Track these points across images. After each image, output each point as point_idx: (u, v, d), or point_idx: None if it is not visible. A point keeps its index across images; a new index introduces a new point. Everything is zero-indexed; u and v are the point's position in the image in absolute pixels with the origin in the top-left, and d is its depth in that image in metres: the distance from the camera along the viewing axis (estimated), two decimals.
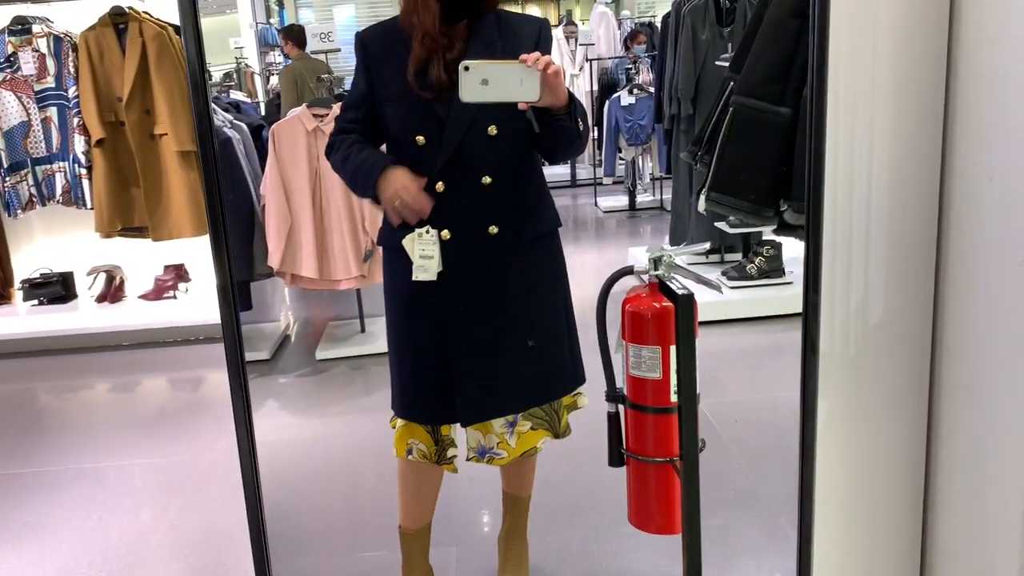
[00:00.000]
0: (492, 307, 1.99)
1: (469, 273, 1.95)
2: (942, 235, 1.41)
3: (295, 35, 6.62)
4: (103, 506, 3.04)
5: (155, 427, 3.75)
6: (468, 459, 2.13)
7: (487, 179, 1.93)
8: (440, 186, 1.91)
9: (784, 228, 1.71)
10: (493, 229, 1.95)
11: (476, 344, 1.99)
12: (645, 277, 1.68)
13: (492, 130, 1.90)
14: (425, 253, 1.94)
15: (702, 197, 1.77)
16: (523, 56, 1.69)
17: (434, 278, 1.93)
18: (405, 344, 2.05)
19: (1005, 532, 1.34)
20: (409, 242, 1.94)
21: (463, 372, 1.98)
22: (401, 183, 1.87)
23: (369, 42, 1.98)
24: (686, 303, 1.50)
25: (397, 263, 2.00)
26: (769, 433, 3.24)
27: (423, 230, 1.93)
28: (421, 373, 2.02)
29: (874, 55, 1.31)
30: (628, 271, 1.70)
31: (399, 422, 2.09)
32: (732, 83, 1.84)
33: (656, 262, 1.65)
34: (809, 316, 1.21)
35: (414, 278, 1.93)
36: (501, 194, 1.95)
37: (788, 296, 4.53)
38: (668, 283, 1.59)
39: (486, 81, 1.67)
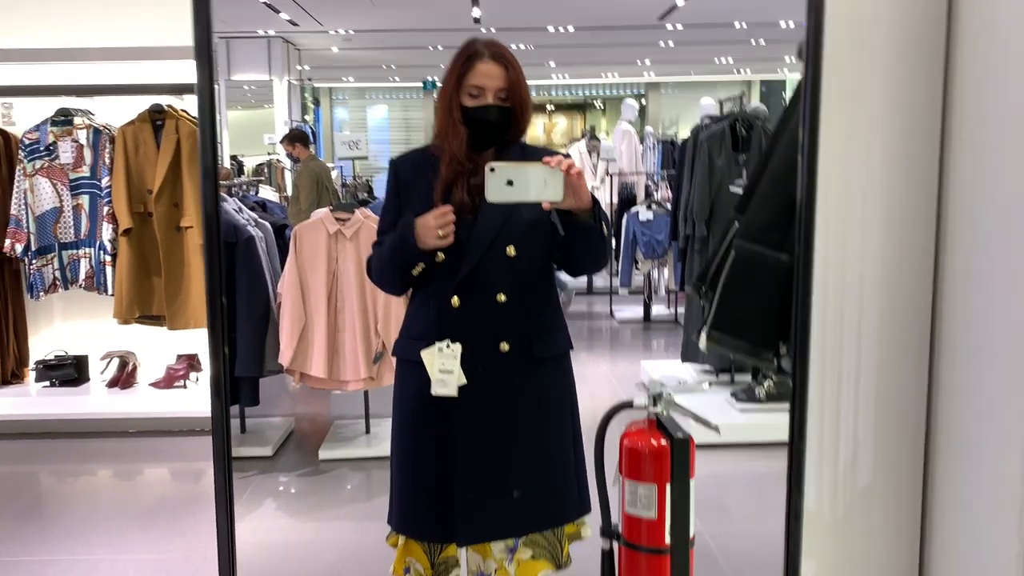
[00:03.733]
0: (499, 426, 2.00)
1: (477, 389, 1.97)
2: (932, 397, 1.42)
3: (300, 138, 6.85)
4: None
5: (152, 519, 3.71)
6: None
7: (502, 297, 1.97)
8: (455, 300, 1.95)
9: (783, 371, 1.73)
10: (504, 346, 1.98)
11: (479, 462, 1.99)
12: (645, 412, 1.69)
13: (511, 251, 1.96)
14: (445, 367, 1.96)
15: (703, 335, 1.80)
16: (546, 158, 1.77)
17: (454, 393, 1.95)
18: (408, 456, 2.06)
19: None
20: (428, 356, 1.96)
21: (464, 489, 1.98)
22: (427, 218, 1.89)
23: (400, 167, 2.08)
24: (681, 446, 1.50)
25: (410, 375, 2.02)
26: (772, 570, 3.16)
27: (443, 344, 1.95)
28: (421, 487, 2.02)
29: (863, 215, 1.35)
30: (627, 405, 1.71)
31: (399, 540, 2.07)
32: (736, 223, 1.89)
33: (656, 399, 1.67)
34: (793, 478, 1.21)
35: (433, 392, 1.95)
36: (515, 312, 1.99)
37: None
38: (665, 422, 1.59)
39: (511, 182, 1.74)
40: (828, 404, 1.42)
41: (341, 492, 4.05)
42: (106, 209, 4.72)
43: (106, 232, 4.73)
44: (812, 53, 1.24)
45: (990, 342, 1.31)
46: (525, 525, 2.05)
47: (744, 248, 1.70)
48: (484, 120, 1.95)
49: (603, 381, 5.96)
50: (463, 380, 1.95)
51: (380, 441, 4.52)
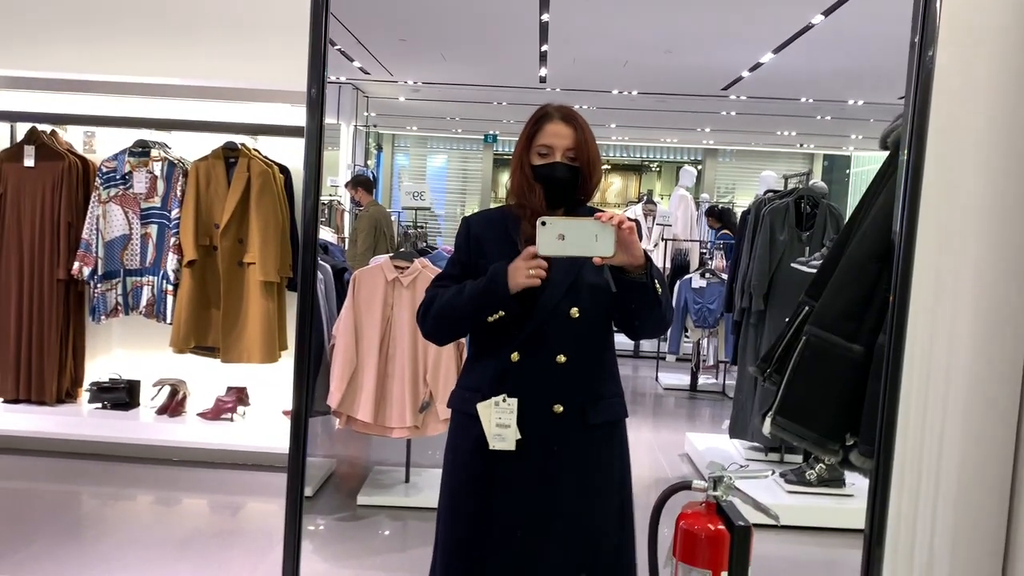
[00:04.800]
0: (543, 490, 1.97)
1: (526, 449, 1.95)
2: (1013, 510, 1.37)
3: (364, 183, 6.99)
4: None
5: (187, 550, 3.72)
6: None
7: (562, 358, 1.97)
8: (515, 356, 1.95)
9: (848, 465, 1.69)
10: (558, 408, 1.97)
11: (518, 525, 1.96)
12: (703, 495, 1.66)
13: (574, 312, 1.96)
14: (502, 422, 1.95)
15: (767, 420, 1.77)
16: (598, 213, 1.78)
17: (512, 447, 1.93)
18: (454, 519, 2.03)
19: None
20: (485, 409, 1.96)
21: (498, 553, 1.96)
22: (517, 261, 1.88)
23: (474, 224, 2.11)
24: (743, 535, 1.47)
25: (464, 429, 2.02)
26: None
27: (499, 398, 1.95)
28: (464, 553, 1.99)
29: (953, 318, 1.32)
30: (686, 486, 1.68)
31: None
32: (806, 307, 1.86)
33: (716, 481, 1.63)
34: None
35: (492, 447, 1.94)
36: (573, 374, 1.99)
37: (847, 509, 4.36)
38: (725, 507, 1.56)
39: (563, 236, 1.75)
40: (905, 507, 1.38)
41: (377, 540, 4.02)
42: (173, 240, 4.85)
43: (171, 262, 4.85)
44: (916, 135, 1.24)
45: None
46: None
47: (817, 336, 1.67)
48: (551, 177, 1.98)
49: (645, 449, 5.87)
50: (519, 435, 1.94)
51: (419, 491, 4.50)
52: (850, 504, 4.42)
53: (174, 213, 4.87)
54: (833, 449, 1.66)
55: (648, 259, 1.90)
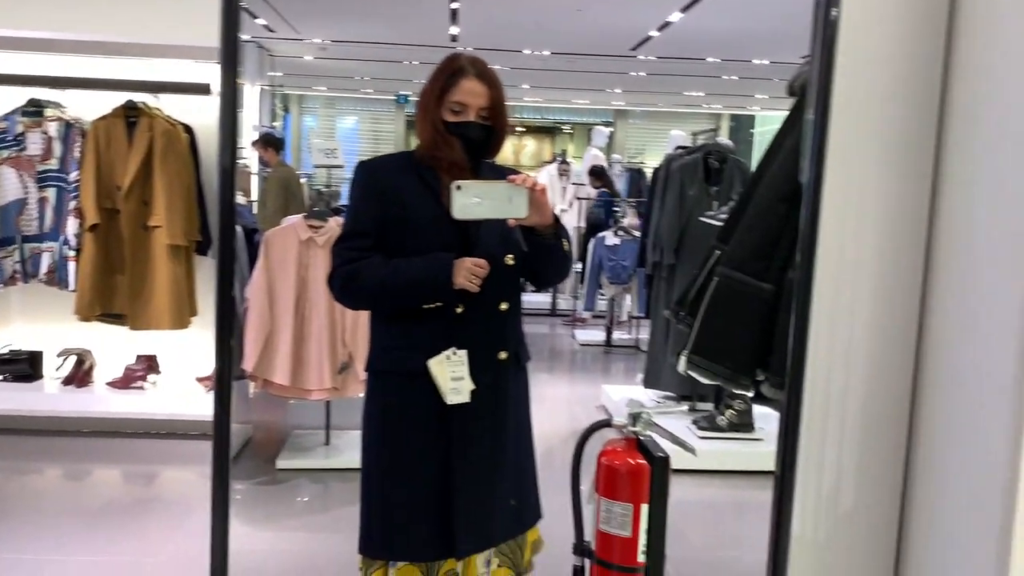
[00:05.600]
0: (493, 435, 2.01)
1: (478, 398, 1.96)
2: (913, 426, 1.47)
3: (274, 143, 6.82)
4: None
5: (101, 521, 3.63)
6: None
7: (504, 305, 2.00)
8: (459, 308, 1.95)
9: (760, 398, 1.76)
10: (503, 355, 2.00)
11: (477, 469, 1.98)
12: (623, 431, 1.71)
13: (510, 259, 1.97)
14: (456, 375, 1.95)
15: (682, 358, 1.83)
16: (511, 176, 1.81)
17: (467, 399, 1.94)
18: (399, 474, 1.99)
19: None
20: (437, 365, 1.94)
21: (465, 500, 1.96)
22: (468, 264, 1.89)
23: (380, 171, 2.04)
24: (662, 465, 1.53)
25: (403, 389, 1.98)
26: None
27: (449, 352, 1.94)
28: (418, 506, 1.97)
29: (858, 248, 1.40)
30: (606, 424, 1.74)
31: (388, 571, 2.00)
32: (718, 252, 1.93)
33: (635, 418, 1.69)
34: (782, 503, 1.24)
35: (449, 402, 1.93)
36: (511, 321, 2.04)
37: (757, 452, 4.55)
38: (645, 442, 1.62)
39: (477, 199, 1.77)
40: (815, 432, 1.46)
41: (298, 503, 4.00)
42: (72, 204, 4.65)
43: (71, 227, 4.65)
44: (822, 88, 1.29)
45: (971, 377, 1.35)
46: (511, 529, 2.07)
47: (728, 276, 1.73)
48: (464, 136, 1.96)
49: (563, 403, 5.98)
50: (472, 386, 1.95)
51: (339, 453, 4.49)
52: (759, 448, 4.61)
53: (72, 176, 4.66)
54: (745, 384, 1.74)
55: (556, 218, 1.94)
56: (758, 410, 4.83)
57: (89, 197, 4.58)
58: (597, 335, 8.21)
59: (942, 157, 1.52)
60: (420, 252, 1.95)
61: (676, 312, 2.03)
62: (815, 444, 1.46)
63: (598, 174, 8.75)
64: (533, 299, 8.99)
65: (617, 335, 8.08)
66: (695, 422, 4.72)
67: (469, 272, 1.90)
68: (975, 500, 1.31)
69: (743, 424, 4.67)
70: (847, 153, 1.52)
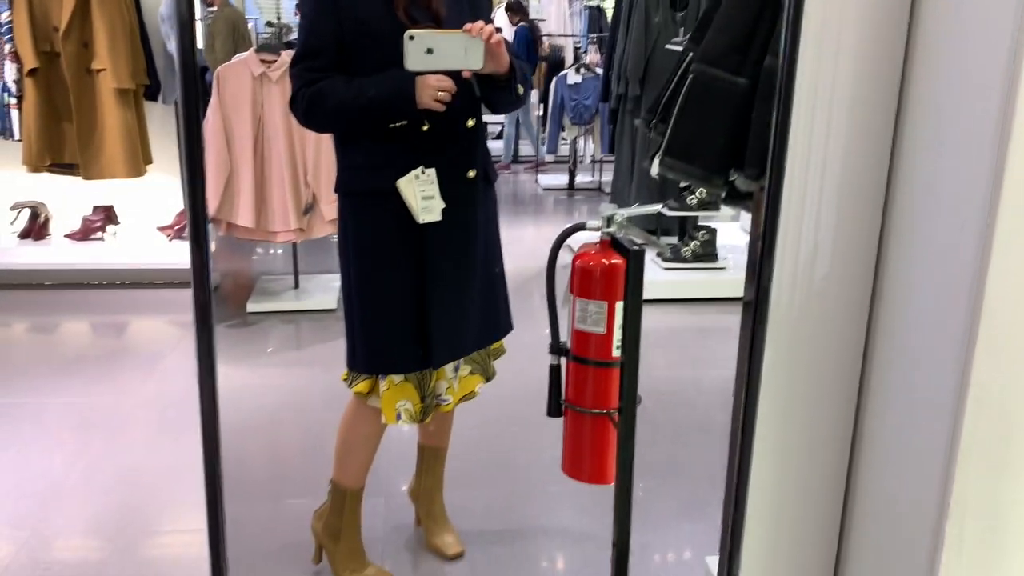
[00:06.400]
0: (464, 248, 2.02)
1: (448, 215, 1.95)
2: (889, 197, 1.49)
3: None
4: (19, 440, 2.96)
5: (75, 369, 3.65)
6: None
7: (471, 122, 1.96)
8: (426, 126, 1.91)
9: (732, 199, 1.77)
10: (471, 172, 1.98)
11: (449, 284, 2.00)
12: (597, 235, 1.72)
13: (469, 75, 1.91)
14: (426, 193, 1.93)
15: (656, 161, 1.81)
16: (467, 26, 1.74)
17: (439, 217, 1.93)
18: (379, 291, 1.99)
19: (928, 466, 1.43)
20: (407, 184, 1.90)
21: (440, 312, 1.99)
22: (433, 81, 1.83)
23: None
24: (637, 258, 1.54)
25: (374, 208, 1.96)
26: (693, 408, 3.34)
27: (418, 171, 1.91)
28: (397, 321, 1.99)
29: (840, 28, 1.37)
30: (581, 227, 1.74)
31: (381, 386, 2.03)
32: (691, 54, 1.88)
33: (609, 220, 1.69)
34: (761, 269, 1.26)
35: (420, 220, 1.91)
36: (477, 137, 2.01)
37: (720, 281, 4.66)
38: (620, 239, 1.63)
39: (431, 50, 1.71)
40: (793, 205, 1.47)
41: (272, 342, 4.04)
42: (7, 47, 4.40)
43: (9, 72, 4.42)
44: None
45: (950, 141, 1.36)
46: (479, 342, 2.12)
47: (702, 73, 1.70)
48: None
49: (528, 245, 6.02)
50: (443, 204, 1.93)
51: (309, 295, 4.50)
52: (723, 276, 4.71)
53: (4, 16, 4.38)
54: (718, 183, 1.73)
55: (512, 67, 1.88)
56: (721, 241, 4.91)
57: (25, 39, 4.33)
58: (560, 179, 8.19)
59: None
60: (381, 69, 1.88)
61: (648, 121, 2.00)
62: (793, 216, 1.48)
63: (515, 8, 8.39)
64: (494, 146, 8.87)
65: (580, 178, 8.07)
66: (659, 254, 4.79)
67: (434, 90, 1.85)
68: (946, 265, 1.35)
69: (707, 254, 4.75)
70: None
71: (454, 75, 1.87)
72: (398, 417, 2.03)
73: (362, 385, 2.05)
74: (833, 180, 1.47)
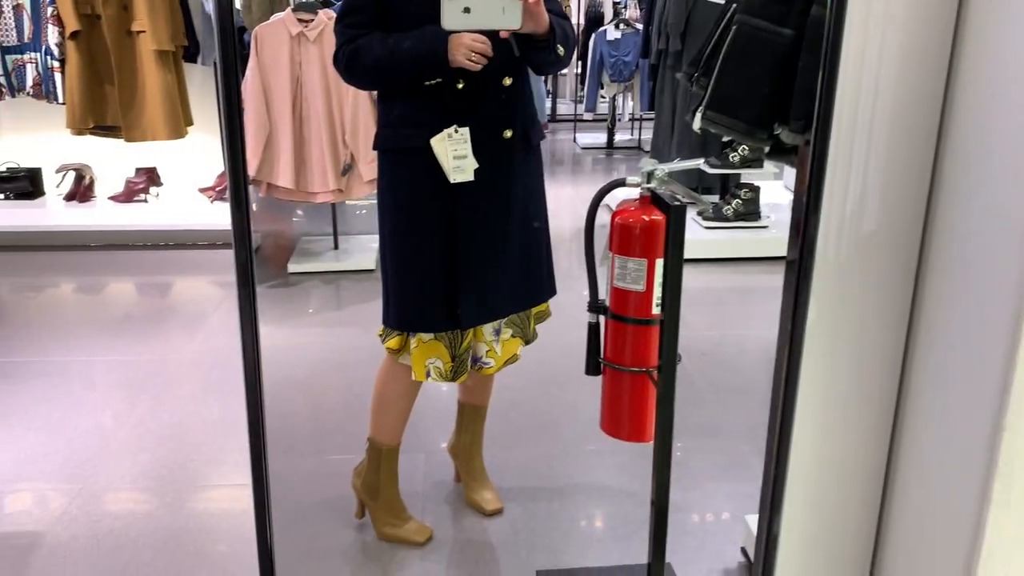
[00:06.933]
0: (501, 211, 2.00)
1: (483, 176, 1.94)
2: (939, 152, 1.45)
3: None
4: (69, 397, 3.03)
5: (122, 328, 3.72)
6: None
7: (508, 80, 1.93)
8: (460, 84, 1.89)
9: (776, 152, 1.73)
10: (508, 133, 1.96)
11: (482, 246, 1.99)
12: (637, 191, 1.69)
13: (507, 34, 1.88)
14: (459, 153, 1.91)
15: (698, 115, 1.77)
16: None
17: (471, 178, 1.91)
18: (411, 250, 2.00)
19: (975, 426, 1.40)
20: (439, 143, 1.90)
21: (471, 273, 1.98)
22: (467, 40, 1.82)
23: None
24: (678, 213, 1.51)
25: (408, 167, 1.95)
26: (733, 369, 3.32)
27: (451, 130, 1.89)
28: (427, 280, 1.99)
29: None
30: (621, 183, 1.71)
31: (410, 342, 2.05)
32: (734, 5, 1.83)
33: (649, 176, 1.66)
34: (805, 223, 1.23)
35: (452, 180, 1.90)
36: (517, 98, 1.97)
37: (762, 239, 4.59)
38: (661, 194, 1.60)
39: (468, 9, 1.67)
40: (840, 159, 1.43)
41: (313, 302, 4.08)
42: (50, 10, 4.43)
43: (52, 35, 4.46)
44: None
45: (1002, 102, 1.31)
46: (517, 305, 2.11)
47: (747, 24, 1.65)
48: None
49: (567, 203, 5.98)
50: (475, 164, 1.92)
51: (349, 256, 4.53)
52: (764, 235, 4.64)
53: None
54: (762, 137, 1.69)
55: (552, 26, 1.83)
56: (764, 199, 4.83)
57: (67, 2, 4.36)
58: (599, 138, 8.10)
59: None
60: (418, 25, 1.86)
61: (690, 74, 1.95)
62: (840, 171, 1.44)
63: None
64: None
65: (619, 136, 7.97)
66: (700, 213, 4.73)
67: (468, 49, 1.82)
68: (999, 221, 1.30)
69: (749, 213, 4.68)
70: None
71: (492, 34, 1.85)
72: (427, 375, 2.04)
73: (394, 341, 2.07)
74: (882, 134, 1.42)
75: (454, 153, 1.92)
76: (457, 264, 1.98)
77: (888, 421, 1.72)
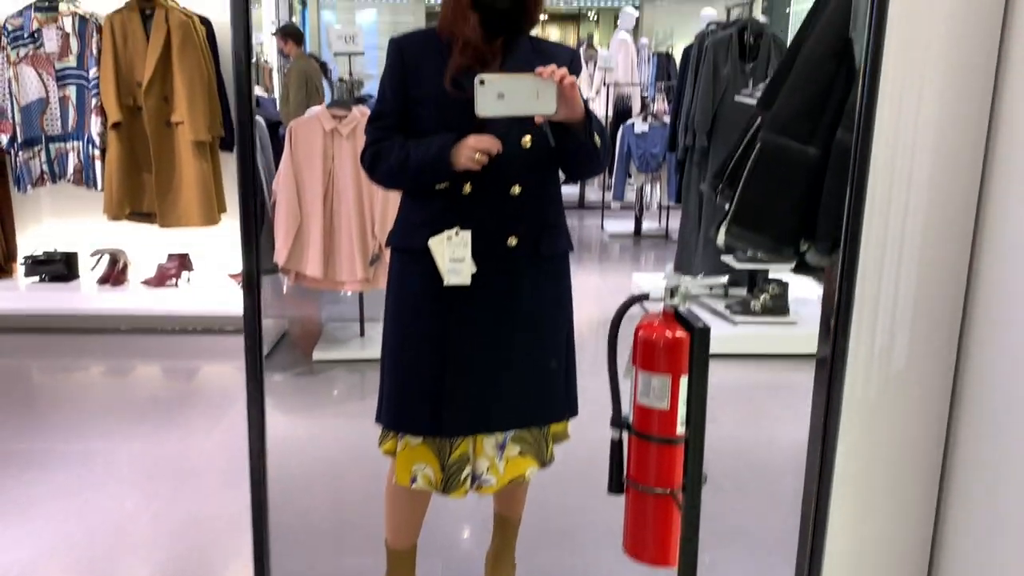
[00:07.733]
0: (497, 320, 1.97)
1: (481, 282, 1.93)
2: (970, 287, 1.42)
3: (294, 34, 6.65)
4: (89, 488, 3.02)
5: (146, 414, 3.73)
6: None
7: (516, 189, 1.93)
8: (467, 188, 1.90)
9: (802, 268, 1.71)
10: (512, 241, 1.94)
11: (473, 352, 1.96)
12: (660, 305, 1.68)
13: (527, 141, 1.90)
14: (456, 256, 1.91)
15: (722, 230, 1.77)
16: (539, 68, 1.70)
17: (467, 282, 1.90)
18: (403, 346, 1.99)
19: (1018, 536, 1.33)
20: (437, 244, 1.90)
21: (454, 380, 1.95)
22: (472, 142, 1.83)
23: (406, 46, 1.97)
24: (702, 335, 1.49)
25: (410, 266, 1.97)
26: (762, 471, 3.24)
27: (452, 232, 1.90)
28: (415, 380, 1.97)
29: (919, 105, 1.32)
30: (644, 297, 1.70)
31: (397, 444, 2.03)
32: (759, 119, 1.85)
33: (672, 291, 1.65)
34: (836, 358, 1.21)
35: (447, 283, 1.90)
36: (526, 206, 1.95)
37: (791, 336, 4.53)
38: (683, 313, 1.58)
39: (502, 95, 1.67)
40: (868, 291, 1.41)
41: (335, 392, 4.07)
42: (94, 101, 4.60)
43: (95, 125, 4.62)
44: None
45: None
46: (514, 421, 2.04)
47: (771, 141, 1.66)
48: (493, 7, 1.86)
49: (593, 292, 5.97)
50: (474, 268, 1.91)
51: (374, 344, 4.53)
52: (794, 331, 4.58)
53: (92, 72, 4.59)
54: (788, 254, 1.68)
55: (587, 113, 1.84)
56: (792, 294, 4.79)
57: (110, 94, 4.53)
58: (626, 225, 8.14)
59: (1011, 7, 1.41)
60: (436, 132, 1.90)
61: (715, 185, 1.96)
62: (868, 303, 1.41)
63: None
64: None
65: (646, 224, 8.01)
66: (728, 307, 4.69)
67: (471, 149, 1.84)
68: None
69: (777, 308, 4.64)
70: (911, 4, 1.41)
71: (509, 141, 1.86)
72: (413, 480, 2.00)
73: (388, 444, 2.06)
74: (912, 263, 1.40)
75: (451, 255, 1.92)
76: (445, 368, 1.96)
77: (927, 533, 1.64)
